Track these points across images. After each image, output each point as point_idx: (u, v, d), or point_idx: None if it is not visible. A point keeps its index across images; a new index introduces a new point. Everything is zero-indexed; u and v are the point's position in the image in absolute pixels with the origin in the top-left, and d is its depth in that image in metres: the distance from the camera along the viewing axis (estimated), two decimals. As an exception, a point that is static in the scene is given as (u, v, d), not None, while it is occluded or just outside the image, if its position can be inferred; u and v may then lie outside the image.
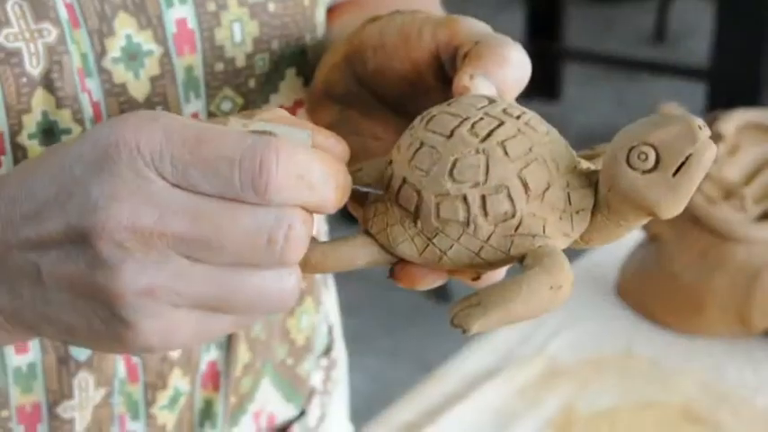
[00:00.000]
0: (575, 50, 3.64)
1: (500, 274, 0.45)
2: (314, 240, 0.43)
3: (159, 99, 0.54)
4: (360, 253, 0.44)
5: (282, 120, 0.43)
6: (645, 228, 1.03)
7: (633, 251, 1.07)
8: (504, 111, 0.43)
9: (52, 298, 0.41)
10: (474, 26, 0.49)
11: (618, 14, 4.11)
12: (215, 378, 0.63)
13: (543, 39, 3.42)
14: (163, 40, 0.53)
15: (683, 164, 0.40)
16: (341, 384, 0.80)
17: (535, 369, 0.96)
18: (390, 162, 0.45)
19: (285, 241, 0.39)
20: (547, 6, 3.43)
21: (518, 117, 0.43)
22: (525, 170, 0.42)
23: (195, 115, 0.55)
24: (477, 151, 0.42)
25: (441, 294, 2.36)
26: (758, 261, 0.96)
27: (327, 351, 0.76)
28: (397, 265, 0.45)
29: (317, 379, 0.74)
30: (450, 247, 0.43)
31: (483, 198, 0.42)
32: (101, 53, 0.52)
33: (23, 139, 0.51)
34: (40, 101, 0.51)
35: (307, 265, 0.43)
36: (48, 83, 0.50)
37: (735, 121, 0.98)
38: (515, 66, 0.46)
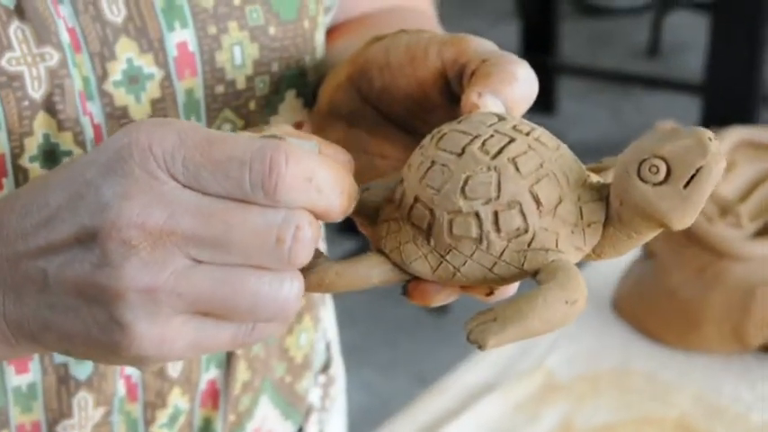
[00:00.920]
0: (569, 65, 3.65)
1: (513, 289, 0.46)
2: (327, 260, 0.44)
3: None
4: (373, 272, 0.45)
5: (288, 134, 0.44)
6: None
7: (630, 267, 1.07)
8: (514, 127, 0.44)
9: (56, 302, 0.42)
10: (480, 44, 0.49)
11: (612, 29, 4.12)
12: (214, 396, 0.63)
13: (538, 53, 3.43)
14: (164, 64, 0.54)
15: (693, 176, 0.41)
16: (339, 401, 0.80)
17: (533, 384, 0.96)
18: (402, 181, 0.45)
19: (293, 242, 0.40)
20: (541, 21, 3.43)
21: (528, 133, 0.44)
22: (537, 186, 0.42)
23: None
24: (489, 168, 0.43)
25: (440, 306, 2.35)
26: (754, 278, 0.97)
27: (325, 368, 0.76)
28: (411, 283, 0.45)
29: (314, 396, 0.74)
30: (464, 264, 0.43)
31: (495, 214, 0.42)
32: (102, 77, 0.52)
33: (25, 161, 0.51)
34: (41, 124, 0.51)
35: (321, 285, 0.44)
36: (49, 106, 0.51)
37: (730, 138, 0.99)
38: (523, 83, 0.47)
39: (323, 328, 0.74)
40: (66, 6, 0.51)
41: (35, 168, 0.51)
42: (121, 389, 0.58)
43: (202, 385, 0.62)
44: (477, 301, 0.46)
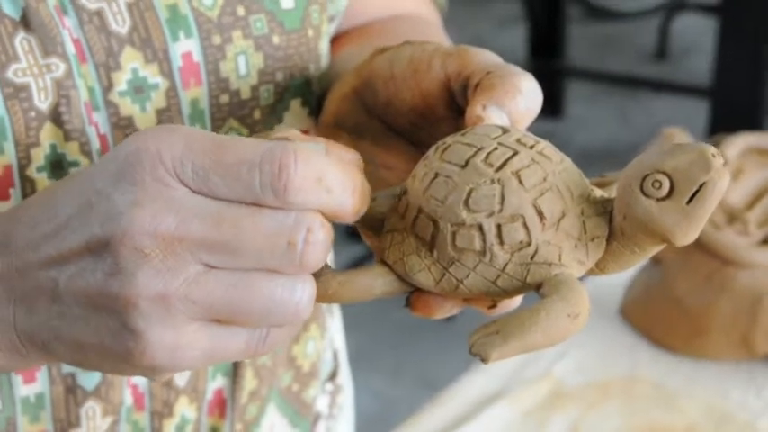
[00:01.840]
0: (576, 68, 3.65)
1: (516, 302, 0.46)
2: (330, 270, 0.44)
3: None
4: (376, 283, 0.45)
5: (295, 138, 0.44)
6: (648, 251, 1.03)
7: (637, 275, 1.07)
8: (518, 140, 0.44)
9: (67, 312, 0.41)
10: (484, 56, 0.49)
11: (620, 32, 4.12)
12: (221, 405, 0.63)
13: (545, 57, 3.42)
14: (169, 74, 0.54)
15: (696, 192, 0.41)
16: (346, 409, 0.80)
17: (541, 391, 0.96)
18: (406, 192, 0.45)
19: (305, 245, 0.40)
20: (548, 24, 3.43)
21: (532, 147, 0.44)
22: (540, 199, 0.42)
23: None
24: (492, 181, 0.43)
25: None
26: (762, 285, 0.96)
27: (333, 376, 0.76)
28: (414, 294, 0.45)
29: (322, 404, 0.74)
30: (467, 276, 0.43)
31: (498, 227, 0.42)
32: (107, 87, 0.53)
33: (32, 172, 0.51)
34: (48, 134, 0.51)
35: (324, 296, 0.43)
36: (56, 117, 0.51)
37: (738, 145, 0.98)
38: (527, 95, 0.47)
39: (330, 336, 0.74)
40: (71, 17, 0.51)
41: (42, 179, 0.52)
42: (129, 398, 0.58)
43: (209, 394, 0.62)
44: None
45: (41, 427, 0.56)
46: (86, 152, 0.52)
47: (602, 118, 3.50)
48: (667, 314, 1.01)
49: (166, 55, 0.54)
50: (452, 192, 0.43)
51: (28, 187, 0.51)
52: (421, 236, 0.44)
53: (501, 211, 0.42)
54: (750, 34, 2.66)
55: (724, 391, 0.96)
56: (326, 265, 0.44)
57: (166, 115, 0.54)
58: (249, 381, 0.64)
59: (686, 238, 0.42)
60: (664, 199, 0.41)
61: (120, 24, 0.52)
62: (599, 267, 0.44)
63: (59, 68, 0.51)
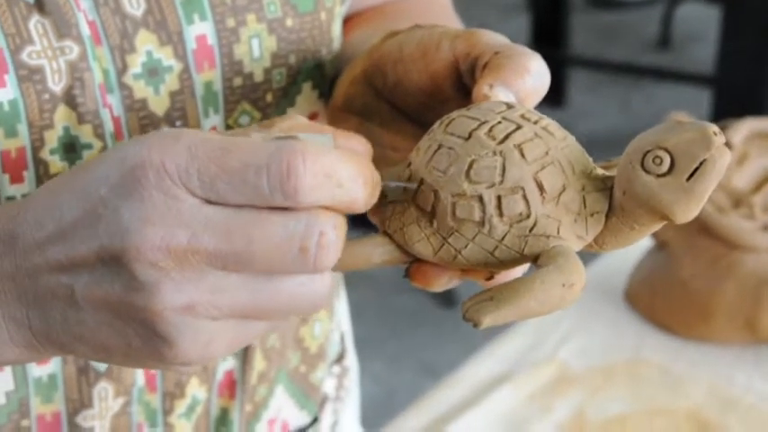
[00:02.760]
0: (580, 57, 3.64)
1: (514, 274, 0.46)
2: None
3: (179, 114, 0.55)
4: (376, 251, 0.45)
5: (302, 127, 0.44)
6: (654, 235, 1.04)
7: (642, 258, 1.07)
8: (522, 116, 0.44)
9: (87, 319, 0.41)
10: (493, 37, 0.49)
11: (623, 21, 4.11)
12: (231, 386, 0.64)
13: (548, 45, 3.42)
14: (183, 56, 0.54)
15: (697, 169, 0.41)
16: (352, 391, 0.80)
17: (545, 375, 0.96)
18: (409, 164, 0.46)
19: (318, 248, 0.39)
20: (552, 13, 3.43)
21: (536, 122, 0.44)
22: (541, 172, 0.43)
23: (214, 129, 0.56)
24: (494, 153, 0.43)
25: (446, 298, 2.36)
26: (767, 269, 0.97)
27: (340, 358, 0.76)
28: (413, 265, 0.46)
29: (329, 386, 0.74)
30: (465, 247, 0.43)
31: (498, 198, 0.43)
32: (122, 69, 0.53)
33: (45, 154, 0.51)
34: (62, 117, 0.51)
35: None
36: (69, 99, 0.51)
37: (743, 130, 0.99)
38: (534, 75, 0.47)
39: (337, 319, 0.75)
40: (87, 0, 0.52)
41: (55, 161, 0.52)
42: (140, 379, 0.58)
43: (219, 375, 0.63)
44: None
45: (54, 408, 0.56)
46: (100, 135, 0.52)
47: (605, 107, 3.49)
48: (672, 298, 1.01)
49: (181, 38, 0.54)
50: (454, 163, 0.43)
51: (41, 169, 0.51)
52: (422, 206, 0.44)
53: (502, 182, 0.43)
54: (753, 22, 2.65)
55: (729, 375, 0.96)
56: None
57: (180, 98, 0.54)
58: (259, 362, 0.64)
59: (686, 214, 0.42)
60: (664, 175, 0.41)
61: (135, 7, 0.53)
62: (598, 243, 0.45)
63: (73, 51, 0.51)
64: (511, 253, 0.43)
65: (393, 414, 0.98)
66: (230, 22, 0.55)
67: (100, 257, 0.40)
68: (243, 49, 0.55)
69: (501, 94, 0.46)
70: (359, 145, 0.45)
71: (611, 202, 0.44)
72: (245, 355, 0.63)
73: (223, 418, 0.64)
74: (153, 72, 0.53)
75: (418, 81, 0.51)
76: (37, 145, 0.51)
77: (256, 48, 0.56)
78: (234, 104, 0.56)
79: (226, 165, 0.39)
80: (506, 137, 0.43)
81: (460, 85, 0.51)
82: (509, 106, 0.45)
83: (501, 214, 0.43)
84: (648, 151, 0.42)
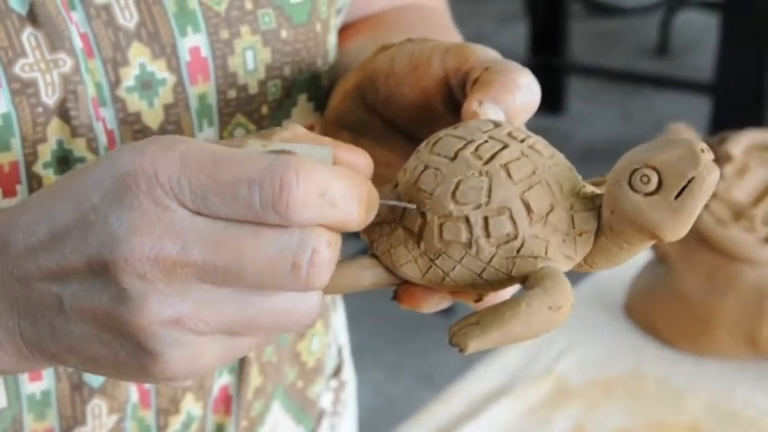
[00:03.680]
0: (578, 64, 3.64)
1: (503, 295, 0.45)
2: None
3: (173, 127, 0.54)
4: (364, 274, 0.44)
5: (302, 137, 0.43)
6: (653, 248, 1.03)
7: (641, 271, 1.07)
8: (509, 134, 0.44)
9: (75, 329, 0.41)
10: (483, 52, 0.49)
11: (621, 28, 4.12)
12: (227, 402, 0.63)
13: (546, 53, 3.42)
14: (176, 69, 0.53)
15: (685, 187, 0.40)
16: (350, 405, 0.80)
17: (544, 389, 0.96)
18: (396, 185, 0.45)
19: (310, 266, 0.38)
20: (550, 20, 3.43)
21: (522, 140, 0.44)
22: (528, 192, 0.42)
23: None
24: (481, 173, 0.42)
25: (447, 311, 2.35)
26: (767, 282, 0.96)
27: (337, 372, 0.76)
28: (401, 287, 0.45)
29: (326, 400, 0.74)
30: (453, 269, 0.43)
31: (485, 220, 0.42)
32: (115, 82, 0.52)
33: (39, 168, 0.51)
34: (55, 130, 0.51)
35: None
36: (63, 112, 0.51)
37: (743, 141, 0.98)
38: (524, 91, 0.46)
39: (334, 332, 0.74)
40: (79, 12, 0.51)
41: (49, 175, 0.51)
42: (134, 395, 0.58)
43: (215, 391, 0.62)
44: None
45: (47, 425, 0.56)
46: (93, 148, 0.52)
47: (604, 114, 3.50)
48: (672, 311, 1.01)
49: (174, 50, 0.53)
50: (440, 184, 0.43)
51: (34, 183, 0.51)
52: (409, 228, 0.44)
53: (488, 203, 0.42)
54: (752, 30, 2.66)
55: (729, 389, 0.96)
56: None
57: (174, 111, 0.54)
58: (255, 378, 0.64)
59: (674, 233, 0.41)
60: (652, 194, 0.41)
61: (128, 19, 0.52)
62: (587, 263, 0.44)
63: (67, 64, 0.50)
64: (499, 275, 0.42)
65: (392, 423, 0.97)
66: (224, 34, 0.54)
67: (90, 267, 0.39)
68: (237, 62, 0.55)
69: (490, 111, 0.46)
70: (360, 159, 0.44)
71: (600, 222, 0.43)
72: (240, 370, 0.63)
73: (218, 434, 0.63)
74: (146, 85, 0.53)
75: (409, 96, 0.51)
76: (30, 159, 0.51)
77: (251, 60, 0.55)
78: (228, 117, 0.56)
79: (218, 177, 0.38)
80: (493, 156, 0.43)
81: (451, 101, 0.50)
82: (496, 125, 0.44)
83: (488, 235, 0.42)
84: (636, 170, 0.41)
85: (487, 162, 0.43)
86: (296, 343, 0.67)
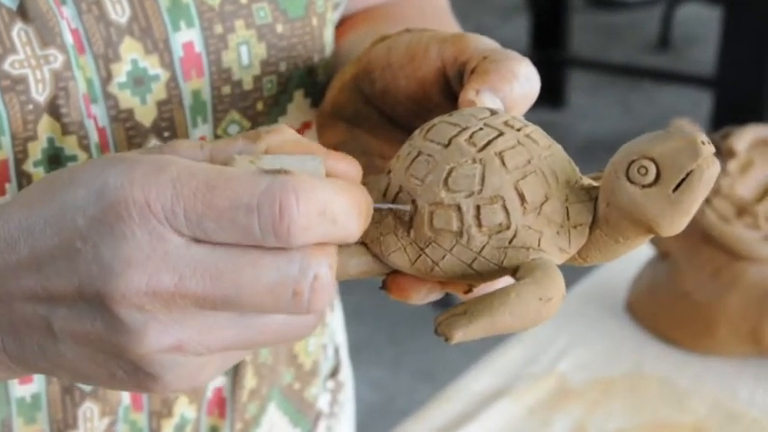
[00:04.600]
0: (579, 58, 3.64)
1: (494, 287, 0.44)
2: None
3: (166, 124, 0.53)
4: (352, 262, 0.43)
5: (290, 145, 0.42)
6: (655, 245, 1.02)
7: (643, 269, 1.06)
8: (506, 122, 0.43)
9: (67, 350, 0.40)
10: (481, 42, 0.48)
11: (623, 22, 4.11)
12: (221, 404, 0.62)
13: (548, 47, 3.41)
14: (169, 65, 0.52)
15: (684, 180, 0.39)
16: (347, 406, 0.79)
17: (545, 389, 0.95)
18: (389, 172, 0.44)
19: (311, 292, 0.37)
20: (552, 14, 3.42)
21: (519, 129, 0.42)
22: (522, 182, 0.41)
23: (203, 139, 0.54)
24: (474, 161, 0.41)
25: (446, 304, 2.35)
26: (771, 280, 0.95)
27: (334, 373, 0.75)
28: (389, 276, 0.44)
29: (323, 402, 0.73)
30: (443, 258, 0.42)
31: (477, 208, 0.41)
32: (106, 78, 0.51)
33: (29, 166, 0.50)
34: (45, 128, 0.50)
35: None
36: (53, 109, 0.50)
37: (747, 137, 0.97)
38: (522, 81, 0.45)
39: (331, 332, 0.73)
40: (70, 7, 0.50)
41: (39, 173, 0.50)
42: (126, 398, 0.57)
43: (209, 393, 0.61)
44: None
45: (38, 429, 0.55)
46: (85, 146, 0.51)
47: (605, 108, 3.49)
48: (674, 309, 1.00)
49: (167, 45, 0.52)
50: (433, 170, 0.42)
51: (24, 182, 0.50)
52: (399, 215, 0.43)
53: (481, 191, 0.41)
54: (754, 24, 2.65)
55: (732, 388, 0.95)
56: None
57: (167, 107, 0.53)
58: (249, 380, 0.63)
59: (672, 227, 0.40)
60: (649, 186, 0.40)
61: (120, 14, 0.51)
62: (582, 256, 0.43)
63: (57, 60, 0.49)
64: (489, 265, 0.41)
65: (392, 421, 0.96)
66: (218, 29, 0.53)
67: (81, 294, 0.38)
68: (231, 57, 0.54)
69: (487, 100, 0.45)
70: (350, 168, 0.43)
71: (596, 214, 0.42)
72: (235, 372, 0.62)
73: (213, 436, 0.62)
74: (139, 81, 0.52)
75: (406, 87, 0.50)
76: (20, 157, 0.49)
77: (245, 55, 0.54)
78: (223, 113, 0.55)
79: (213, 203, 0.37)
80: (487, 144, 0.42)
81: (449, 92, 0.49)
82: (493, 112, 0.43)
83: (480, 225, 0.41)
84: (633, 161, 0.40)
85: (482, 149, 0.41)
86: (292, 345, 0.66)
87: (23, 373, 0.42)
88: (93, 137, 0.51)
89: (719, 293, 0.97)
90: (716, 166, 0.39)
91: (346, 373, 0.78)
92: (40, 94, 0.49)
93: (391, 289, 0.44)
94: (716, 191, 0.96)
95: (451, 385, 0.96)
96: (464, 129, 0.42)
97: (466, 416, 0.92)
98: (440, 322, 0.40)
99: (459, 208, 0.41)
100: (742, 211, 0.96)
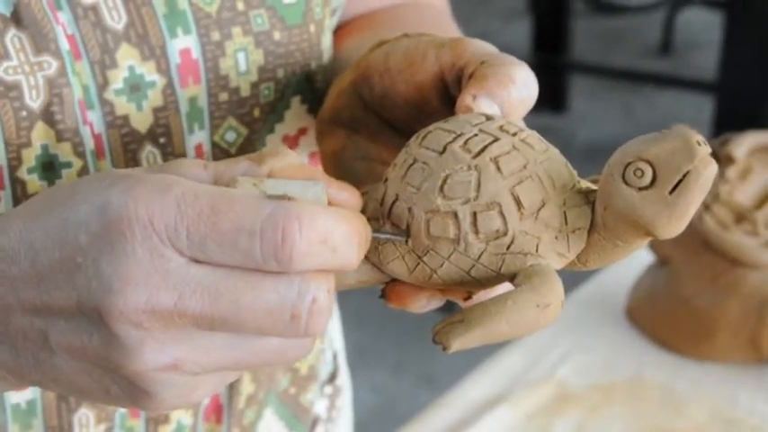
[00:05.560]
0: (581, 63, 3.64)
1: (492, 294, 0.44)
2: None
3: (162, 131, 0.53)
4: (350, 272, 0.43)
5: (293, 169, 0.42)
6: (655, 251, 1.02)
7: (643, 275, 1.06)
8: (501, 128, 0.43)
9: (62, 364, 0.40)
10: (479, 46, 0.48)
11: (624, 26, 4.11)
12: (218, 411, 0.62)
13: (549, 51, 3.41)
14: (166, 71, 0.52)
15: (680, 181, 0.39)
16: (345, 411, 0.79)
17: (544, 395, 0.95)
18: (386, 180, 0.44)
19: (309, 316, 0.38)
20: (553, 19, 3.42)
21: (514, 134, 0.42)
22: (518, 187, 0.41)
23: (199, 146, 0.54)
24: (469, 167, 0.41)
25: (449, 308, 2.34)
26: (770, 286, 0.95)
27: (332, 378, 0.75)
28: (388, 285, 0.44)
29: (321, 407, 0.73)
30: (441, 266, 0.42)
31: (474, 215, 0.41)
32: (103, 85, 0.51)
33: (23, 173, 0.50)
34: (39, 135, 0.49)
35: None
36: (48, 116, 0.49)
37: (747, 143, 0.97)
38: (520, 86, 0.45)
39: (329, 338, 0.73)
40: (66, 13, 0.50)
41: (33, 180, 0.50)
42: (123, 405, 0.57)
43: (206, 400, 0.61)
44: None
45: (33, 434, 0.55)
46: (80, 153, 0.51)
47: (606, 113, 3.49)
48: (674, 316, 1.00)
49: (164, 52, 0.52)
50: (428, 178, 0.42)
51: (18, 189, 0.50)
52: (396, 224, 0.43)
53: (477, 198, 0.41)
54: (756, 28, 2.64)
55: (732, 395, 0.94)
56: None
57: (163, 114, 0.53)
58: (246, 385, 0.63)
59: (669, 229, 0.40)
60: (646, 188, 0.39)
61: (116, 20, 0.51)
62: (580, 261, 0.43)
63: (52, 66, 0.49)
64: (487, 272, 0.41)
65: (393, 424, 0.96)
66: (215, 36, 0.53)
67: (79, 309, 0.38)
68: (229, 64, 0.54)
69: (485, 105, 0.44)
70: (350, 197, 0.43)
71: (594, 218, 0.42)
72: (232, 378, 0.62)
73: (209, 443, 0.62)
74: (135, 87, 0.52)
75: (404, 92, 0.49)
76: (14, 164, 0.49)
77: (243, 62, 0.54)
78: (220, 120, 0.55)
79: (216, 226, 0.37)
80: (482, 150, 0.41)
81: (447, 97, 0.49)
82: (488, 118, 0.43)
83: (477, 231, 0.41)
84: (630, 163, 0.40)
85: (477, 155, 0.41)
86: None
87: (18, 384, 0.42)
88: (89, 143, 0.51)
89: (719, 300, 0.97)
90: (713, 167, 0.39)
91: (344, 378, 0.78)
92: (34, 101, 0.49)
93: (390, 298, 0.44)
94: (715, 197, 0.96)
95: (451, 391, 0.96)
96: (459, 135, 0.42)
97: (465, 422, 0.92)
98: (437, 331, 0.40)
99: (455, 215, 0.41)
100: (741, 217, 0.96)
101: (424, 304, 0.44)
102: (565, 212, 0.42)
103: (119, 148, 0.52)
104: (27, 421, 0.54)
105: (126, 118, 0.52)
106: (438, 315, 0.43)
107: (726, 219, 0.96)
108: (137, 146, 0.52)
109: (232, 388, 0.62)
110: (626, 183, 0.40)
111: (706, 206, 0.96)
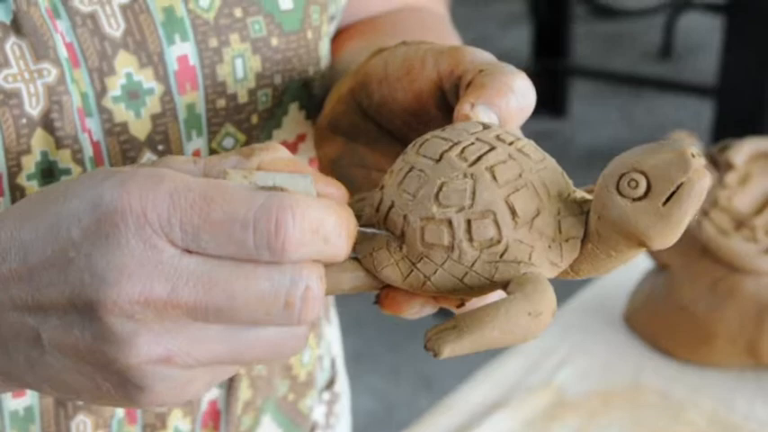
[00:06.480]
0: (581, 67, 3.64)
1: (486, 301, 0.44)
2: None
3: (160, 137, 0.53)
4: (345, 277, 0.44)
5: (282, 162, 0.42)
6: (654, 257, 1.02)
7: (642, 281, 1.06)
8: (498, 136, 0.43)
9: (54, 362, 0.40)
10: (477, 55, 0.48)
11: (624, 31, 4.11)
12: (215, 417, 0.62)
13: (549, 56, 3.41)
14: (164, 78, 0.52)
15: (674, 193, 0.39)
16: (344, 418, 0.79)
17: (542, 400, 0.95)
18: (382, 186, 0.44)
19: (302, 303, 0.38)
20: (553, 24, 3.42)
21: (511, 143, 0.43)
22: (513, 196, 0.41)
23: (197, 153, 0.55)
24: (465, 175, 0.41)
25: (447, 312, 2.34)
26: (768, 293, 0.95)
27: (330, 385, 0.75)
28: (382, 291, 0.44)
29: (319, 414, 0.73)
30: (435, 273, 0.42)
31: (468, 223, 0.41)
32: (101, 92, 0.51)
33: (22, 180, 0.50)
34: (39, 142, 0.50)
35: None
36: (47, 123, 0.50)
37: (746, 150, 0.97)
38: (518, 94, 0.45)
39: (327, 344, 0.73)
40: (64, 21, 0.50)
41: (33, 187, 0.50)
42: (120, 411, 0.57)
43: (203, 406, 0.61)
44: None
45: (31, 441, 0.55)
46: (79, 160, 0.51)
47: (607, 117, 3.49)
48: (672, 321, 1.00)
49: (161, 59, 0.52)
50: (424, 185, 0.42)
51: (18, 196, 0.50)
52: (391, 230, 0.43)
53: (472, 206, 0.41)
54: (756, 33, 2.64)
55: (730, 400, 0.94)
56: None
57: (162, 121, 0.53)
58: (244, 392, 0.63)
59: (663, 240, 0.40)
60: (640, 199, 0.40)
61: (114, 28, 0.51)
62: (573, 270, 0.43)
63: (51, 74, 0.49)
64: (481, 279, 0.41)
65: (391, 429, 0.96)
66: (213, 42, 0.53)
67: (72, 304, 0.38)
68: (226, 70, 0.54)
69: (482, 114, 0.45)
70: (336, 191, 0.43)
71: (588, 228, 0.42)
72: (229, 384, 0.62)
73: (207, 449, 0.62)
74: (133, 95, 0.52)
75: (403, 100, 0.50)
76: (14, 171, 0.49)
77: (240, 68, 0.54)
78: (218, 127, 0.55)
79: (210, 217, 0.37)
80: (478, 159, 0.42)
81: (445, 105, 0.49)
82: (485, 126, 0.43)
83: (471, 239, 0.41)
84: (624, 174, 0.40)
85: (472, 164, 0.42)
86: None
87: (11, 386, 0.42)
88: (88, 151, 0.51)
89: (717, 306, 0.97)
90: (707, 179, 0.39)
91: (343, 384, 0.78)
92: (34, 108, 0.49)
93: (384, 304, 0.44)
94: (714, 204, 0.96)
95: (450, 396, 0.96)
96: (456, 143, 0.42)
97: (464, 427, 0.92)
98: (429, 338, 0.40)
99: (450, 223, 0.41)
100: (740, 223, 0.96)
101: (418, 310, 0.44)
102: (559, 222, 0.42)
103: (117, 155, 0.52)
104: (25, 428, 0.54)
105: (124, 125, 0.52)
106: (435, 320, 0.43)
107: (725, 225, 0.96)
108: (135, 153, 0.52)
109: (230, 394, 0.62)
110: (620, 193, 0.40)
111: (705, 212, 0.96)
